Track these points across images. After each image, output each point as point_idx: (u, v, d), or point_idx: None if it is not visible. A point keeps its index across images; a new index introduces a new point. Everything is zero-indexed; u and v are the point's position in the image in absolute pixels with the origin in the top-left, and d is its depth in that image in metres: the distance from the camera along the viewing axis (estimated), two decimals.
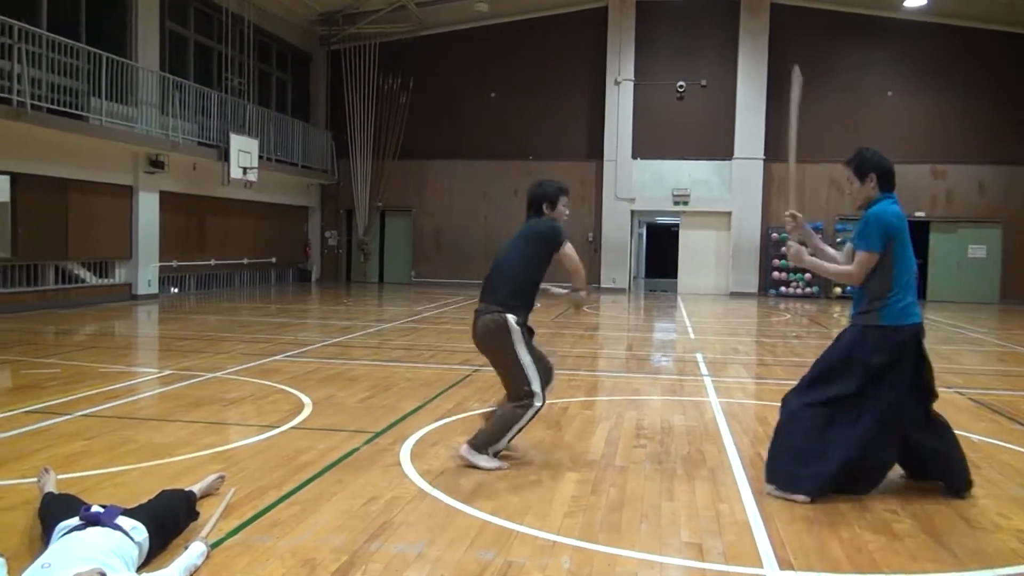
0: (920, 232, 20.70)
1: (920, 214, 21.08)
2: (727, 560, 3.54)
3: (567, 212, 5.13)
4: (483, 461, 4.81)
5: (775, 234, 22.01)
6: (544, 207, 5.05)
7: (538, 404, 4.79)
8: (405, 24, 23.12)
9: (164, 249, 17.24)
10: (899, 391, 4.31)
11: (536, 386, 4.78)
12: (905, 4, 20.62)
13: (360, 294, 20.15)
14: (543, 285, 5.07)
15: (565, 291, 5.15)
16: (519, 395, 4.81)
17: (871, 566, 3.50)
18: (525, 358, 4.79)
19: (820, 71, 21.94)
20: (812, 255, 4.73)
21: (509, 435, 4.84)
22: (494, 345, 4.87)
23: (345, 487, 4.42)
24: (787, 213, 4.75)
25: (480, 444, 4.84)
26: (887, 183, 4.49)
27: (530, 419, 4.84)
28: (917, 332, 4.38)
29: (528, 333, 4.89)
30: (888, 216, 4.36)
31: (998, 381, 8.71)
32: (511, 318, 4.81)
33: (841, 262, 4.66)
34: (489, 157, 23.43)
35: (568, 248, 4.88)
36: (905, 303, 4.35)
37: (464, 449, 4.87)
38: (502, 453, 4.92)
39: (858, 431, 4.30)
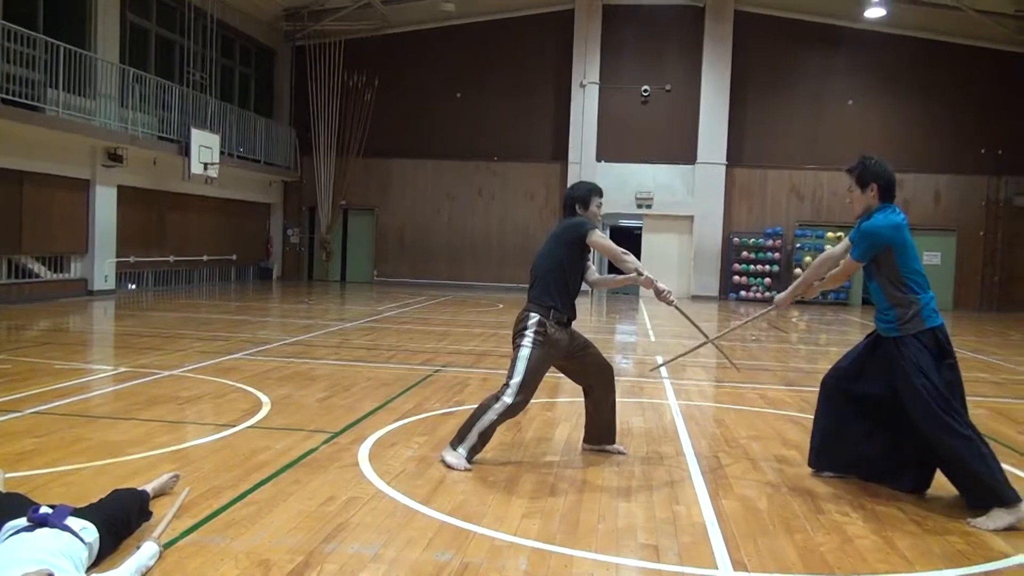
0: None
1: None
2: (682, 561, 3.57)
3: (600, 212, 5.19)
4: (451, 457, 4.84)
5: (736, 239, 22.28)
6: (577, 207, 5.11)
7: (507, 400, 4.79)
8: (371, 22, 23.00)
9: (122, 244, 16.96)
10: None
11: (514, 381, 4.81)
12: (865, 15, 20.96)
13: (322, 293, 20.00)
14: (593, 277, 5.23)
15: (623, 277, 5.10)
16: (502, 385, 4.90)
17: (823, 567, 3.56)
18: (524, 354, 4.85)
19: (782, 79, 22.32)
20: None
21: (479, 426, 4.81)
22: (513, 335, 4.98)
23: (302, 487, 4.38)
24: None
25: (455, 437, 4.92)
26: (888, 194, 4.58)
27: (500, 414, 4.82)
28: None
29: (558, 333, 4.92)
30: (880, 229, 4.47)
31: None
32: (534, 317, 4.90)
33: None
34: (454, 157, 23.39)
35: (596, 236, 4.91)
36: (933, 305, 4.48)
37: (445, 449, 4.96)
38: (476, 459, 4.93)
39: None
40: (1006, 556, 3.74)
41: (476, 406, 4.98)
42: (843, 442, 4.78)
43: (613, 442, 5.39)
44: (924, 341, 4.37)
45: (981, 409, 7.47)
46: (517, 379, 4.83)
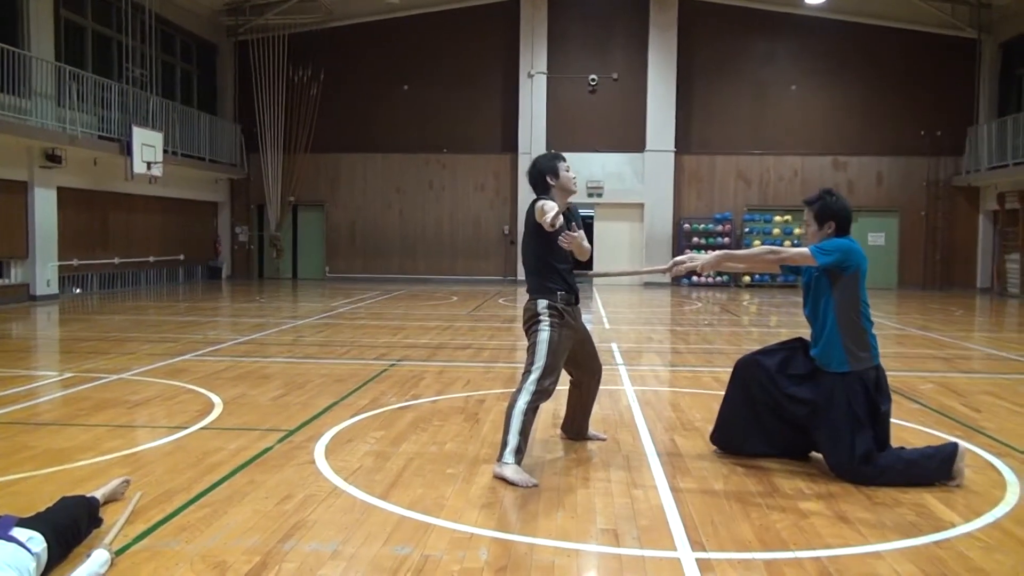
0: None
1: None
2: (642, 545, 3.59)
3: (573, 175, 4.91)
4: (509, 472, 4.46)
5: (687, 225, 22.51)
6: (548, 179, 4.83)
7: (532, 388, 4.59)
8: (315, 15, 22.70)
9: (64, 247, 16.54)
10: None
11: (536, 366, 4.64)
12: (806, 0, 21.29)
13: (273, 291, 19.74)
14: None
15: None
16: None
17: (779, 544, 3.61)
18: (543, 338, 4.69)
19: (727, 65, 22.58)
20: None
21: (513, 427, 4.53)
22: (526, 328, 4.85)
23: (257, 487, 4.32)
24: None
25: (501, 447, 4.58)
26: (844, 231, 4.56)
27: (529, 404, 4.57)
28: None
29: (570, 313, 4.82)
30: (857, 248, 4.48)
31: (896, 362, 9.08)
32: (543, 303, 4.77)
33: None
34: (403, 150, 23.26)
35: (535, 212, 4.66)
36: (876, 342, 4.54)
37: (495, 466, 4.60)
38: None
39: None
40: (954, 526, 3.84)
41: (505, 413, 4.67)
42: (753, 433, 4.86)
43: (587, 432, 5.41)
44: (867, 378, 4.43)
45: (929, 384, 7.66)
46: (540, 363, 4.64)
